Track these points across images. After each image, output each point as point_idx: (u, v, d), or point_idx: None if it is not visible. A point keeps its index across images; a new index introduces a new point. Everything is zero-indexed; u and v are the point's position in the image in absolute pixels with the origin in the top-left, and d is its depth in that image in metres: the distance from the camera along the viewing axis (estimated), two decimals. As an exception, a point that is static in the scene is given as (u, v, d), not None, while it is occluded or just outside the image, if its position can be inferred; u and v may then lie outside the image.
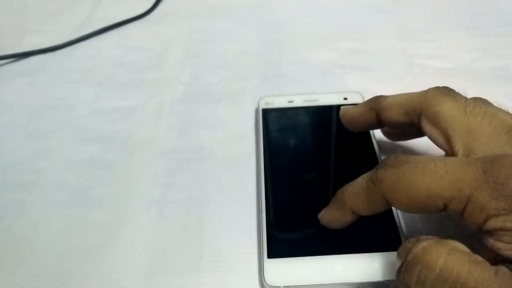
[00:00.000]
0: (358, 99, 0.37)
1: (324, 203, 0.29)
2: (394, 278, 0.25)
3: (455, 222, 0.21)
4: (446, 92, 0.25)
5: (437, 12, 0.49)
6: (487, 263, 0.19)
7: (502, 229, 0.19)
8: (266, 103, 0.37)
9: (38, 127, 0.39)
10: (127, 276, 0.28)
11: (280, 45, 0.46)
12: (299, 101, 0.37)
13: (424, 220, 0.29)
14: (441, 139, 0.25)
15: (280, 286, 0.25)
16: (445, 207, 0.21)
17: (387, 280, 0.25)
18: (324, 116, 0.36)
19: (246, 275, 0.27)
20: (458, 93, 0.26)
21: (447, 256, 0.19)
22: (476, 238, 0.21)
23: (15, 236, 0.30)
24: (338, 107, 0.36)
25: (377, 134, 0.34)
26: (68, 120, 0.39)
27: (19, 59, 0.46)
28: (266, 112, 0.36)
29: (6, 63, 0.46)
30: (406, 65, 0.42)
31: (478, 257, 0.19)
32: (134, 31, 0.50)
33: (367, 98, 0.36)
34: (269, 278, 0.26)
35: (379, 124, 0.29)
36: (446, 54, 0.43)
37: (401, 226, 0.28)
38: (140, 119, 0.39)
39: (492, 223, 0.19)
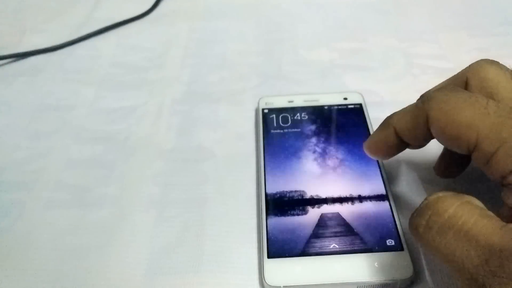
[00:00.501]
0: (358, 99, 0.37)
1: (323, 203, 0.30)
2: (394, 278, 0.25)
3: (478, 166, 0.21)
4: (491, 60, 0.26)
5: (437, 12, 0.49)
6: (497, 218, 0.19)
7: None
8: (266, 103, 0.37)
9: (38, 127, 0.39)
10: (127, 276, 0.28)
11: (280, 45, 0.46)
12: (299, 101, 0.37)
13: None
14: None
15: (280, 286, 0.25)
16: (475, 145, 0.20)
17: (387, 280, 0.25)
18: (324, 116, 0.36)
19: (246, 275, 0.27)
20: (500, 63, 0.26)
21: (458, 206, 0.20)
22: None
23: (15, 236, 0.30)
24: (338, 107, 0.36)
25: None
26: (68, 120, 0.39)
27: (19, 59, 0.46)
28: (266, 112, 0.36)
29: (6, 63, 0.46)
30: (406, 65, 0.42)
31: (490, 213, 0.19)
32: (134, 31, 0.50)
33: (367, 98, 0.37)
34: (269, 278, 0.26)
35: (402, 142, 0.26)
36: (446, 54, 0.43)
37: (401, 226, 0.28)
38: (140, 119, 0.39)
39: None
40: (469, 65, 0.26)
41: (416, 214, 0.21)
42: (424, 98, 0.23)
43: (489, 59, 0.26)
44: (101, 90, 0.42)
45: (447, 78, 0.27)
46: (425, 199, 0.21)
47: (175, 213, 0.31)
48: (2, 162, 0.36)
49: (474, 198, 0.21)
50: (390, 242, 0.27)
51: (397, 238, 0.27)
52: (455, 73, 0.29)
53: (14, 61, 0.46)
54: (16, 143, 0.37)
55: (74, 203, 0.32)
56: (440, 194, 0.21)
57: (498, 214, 0.20)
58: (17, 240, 0.30)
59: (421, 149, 0.33)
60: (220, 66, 0.44)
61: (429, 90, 0.24)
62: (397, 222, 0.28)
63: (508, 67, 0.26)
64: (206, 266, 0.28)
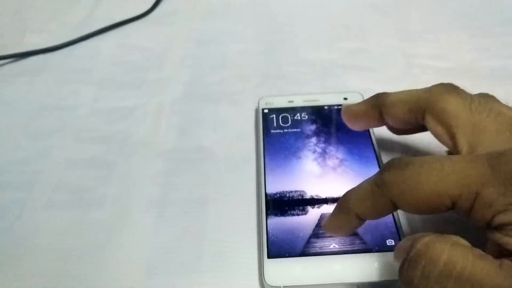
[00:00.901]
0: (358, 99, 0.36)
1: (324, 203, 0.30)
2: (394, 278, 0.25)
3: (462, 219, 0.21)
4: (451, 89, 0.25)
5: (437, 12, 0.49)
6: (490, 257, 0.19)
7: (510, 223, 0.19)
8: (266, 103, 0.37)
9: (38, 127, 0.39)
10: (127, 276, 0.28)
11: (280, 45, 0.46)
12: (299, 101, 0.37)
13: (424, 220, 0.29)
14: (445, 136, 0.25)
15: (280, 286, 0.25)
16: (453, 206, 0.21)
17: (387, 280, 0.25)
18: (324, 116, 0.36)
19: (246, 275, 0.27)
20: (463, 90, 0.26)
21: (450, 250, 0.19)
22: (477, 235, 0.21)
23: (15, 236, 0.30)
24: (338, 107, 0.36)
25: (377, 133, 0.34)
26: (68, 120, 0.39)
27: (19, 59, 0.46)
28: (266, 112, 0.36)
29: (6, 63, 0.46)
30: (406, 65, 0.42)
31: (480, 251, 0.19)
32: (134, 31, 0.50)
33: (367, 98, 0.37)
34: (269, 278, 0.26)
35: (381, 121, 0.29)
36: (446, 54, 0.43)
37: (401, 226, 0.28)
38: (140, 119, 0.39)
39: (500, 218, 0.19)
40: (428, 90, 0.26)
41: (408, 265, 0.20)
42: (379, 183, 0.22)
43: (450, 85, 0.26)
44: (101, 90, 0.42)
45: (439, 82, 0.27)
46: (411, 246, 0.20)
47: (175, 213, 0.31)
48: (2, 162, 0.36)
49: (459, 237, 0.20)
50: (390, 242, 0.27)
51: (397, 238, 0.27)
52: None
53: (14, 61, 0.46)
54: (16, 143, 0.37)
55: (74, 203, 0.32)
56: (426, 239, 0.20)
57: (486, 251, 0.20)
58: (16, 240, 0.30)
59: (422, 145, 0.34)
60: (220, 66, 0.44)
61: (380, 172, 0.23)
62: (397, 222, 0.28)
63: (470, 92, 0.25)
64: (206, 266, 0.28)
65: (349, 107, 0.31)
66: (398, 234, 0.27)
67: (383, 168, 0.23)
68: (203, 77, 0.43)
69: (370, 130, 0.34)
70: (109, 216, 0.31)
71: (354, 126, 0.31)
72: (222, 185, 0.33)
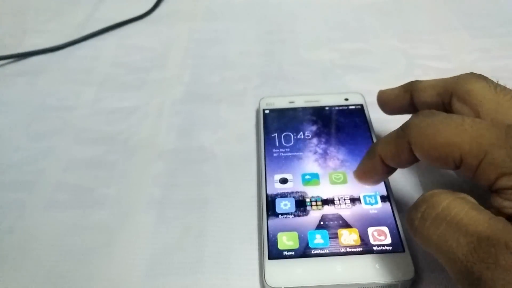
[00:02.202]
0: (359, 100, 0.37)
1: (324, 203, 0.30)
2: (395, 279, 0.25)
3: (467, 180, 0.22)
4: (478, 75, 0.26)
5: (438, 12, 0.49)
6: (487, 211, 0.20)
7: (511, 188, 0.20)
8: (267, 104, 0.37)
9: (39, 128, 0.39)
10: (128, 277, 0.28)
11: (281, 45, 0.46)
12: (300, 102, 0.37)
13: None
14: (471, 116, 0.25)
15: (280, 287, 0.25)
16: (461, 161, 0.21)
17: (387, 282, 0.25)
18: (325, 117, 0.36)
19: (247, 276, 0.27)
20: (489, 78, 0.26)
21: (452, 200, 0.21)
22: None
23: (16, 237, 0.30)
24: (339, 107, 0.36)
25: (378, 134, 0.34)
26: (68, 120, 0.39)
27: (20, 59, 0.46)
28: (267, 113, 0.36)
29: (7, 63, 0.46)
30: (407, 65, 0.42)
31: (481, 207, 0.20)
32: (135, 32, 0.50)
33: (368, 98, 0.37)
34: (270, 279, 0.26)
35: (412, 107, 0.29)
36: (447, 54, 0.43)
37: (402, 227, 0.28)
38: (141, 120, 0.39)
39: (503, 182, 0.20)
40: (456, 77, 0.27)
41: (412, 207, 0.22)
42: (404, 126, 0.24)
43: (476, 74, 0.26)
44: (102, 90, 0.42)
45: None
46: (421, 195, 0.22)
47: (175, 214, 0.31)
48: (3, 162, 0.36)
49: (468, 195, 0.21)
50: (390, 243, 0.27)
51: (398, 239, 0.27)
52: (456, 73, 0.29)
53: (15, 61, 0.46)
54: (16, 143, 0.37)
55: (75, 203, 0.32)
56: (436, 190, 0.22)
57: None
58: (17, 240, 0.30)
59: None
60: (221, 66, 0.44)
61: (410, 118, 0.25)
62: (398, 224, 0.28)
63: (496, 80, 0.26)
64: (207, 268, 0.28)
65: (384, 91, 0.32)
66: (399, 235, 0.27)
67: (412, 116, 0.25)
68: (203, 78, 0.43)
69: (371, 131, 0.34)
70: (110, 216, 0.31)
71: (387, 110, 0.32)
72: (222, 186, 0.33)
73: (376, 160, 0.26)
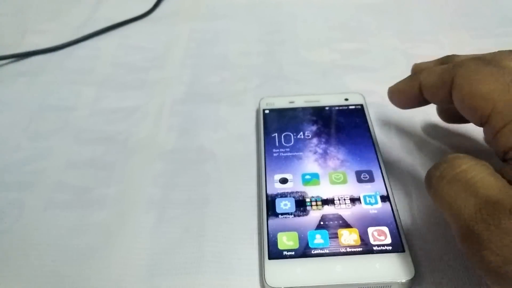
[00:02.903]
0: (359, 100, 0.37)
1: (324, 203, 0.30)
2: (395, 279, 0.25)
3: (485, 140, 0.23)
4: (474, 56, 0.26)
5: (438, 12, 0.49)
6: (504, 180, 0.21)
7: None
8: (267, 104, 0.37)
9: (39, 128, 0.38)
10: (128, 277, 0.28)
11: (281, 45, 0.46)
12: (300, 102, 0.37)
13: (425, 221, 0.29)
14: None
15: (280, 287, 0.25)
16: (488, 118, 0.22)
17: (387, 282, 0.25)
18: (325, 117, 0.36)
19: (247, 276, 0.27)
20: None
21: (472, 165, 0.21)
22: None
23: (15, 237, 0.30)
24: (339, 107, 0.36)
25: (378, 134, 0.34)
26: (68, 120, 0.39)
27: (19, 59, 0.46)
28: (267, 113, 0.36)
29: (7, 63, 0.46)
30: (407, 65, 0.42)
31: (499, 175, 0.21)
32: (135, 31, 0.50)
33: (368, 98, 0.37)
34: (270, 279, 0.26)
35: (422, 99, 0.28)
36: (447, 54, 0.43)
37: (402, 227, 0.28)
38: (141, 120, 0.39)
39: None
40: (492, 53, 0.26)
41: (433, 166, 0.23)
42: (455, 63, 0.24)
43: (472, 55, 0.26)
44: (102, 90, 0.42)
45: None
46: (444, 155, 0.23)
47: (175, 214, 0.31)
48: (2, 162, 0.36)
49: (488, 163, 0.22)
50: (390, 243, 0.27)
51: (398, 239, 0.27)
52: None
53: (15, 61, 0.46)
54: (16, 143, 0.37)
55: (75, 203, 0.32)
56: (459, 154, 0.22)
57: None
58: (16, 241, 0.30)
59: (424, 150, 0.33)
60: (221, 66, 0.44)
61: (462, 56, 0.25)
62: (398, 224, 0.28)
63: None
64: (207, 267, 0.28)
65: (393, 86, 0.31)
66: (399, 235, 0.27)
67: (466, 59, 0.25)
68: (203, 78, 0.43)
69: (372, 131, 0.34)
70: (110, 216, 0.31)
71: (397, 103, 0.31)
72: (222, 186, 0.33)
73: (415, 84, 0.27)
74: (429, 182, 0.23)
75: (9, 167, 0.35)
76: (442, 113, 0.33)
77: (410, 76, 0.28)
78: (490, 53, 0.25)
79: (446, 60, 0.29)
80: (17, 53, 0.46)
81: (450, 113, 0.32)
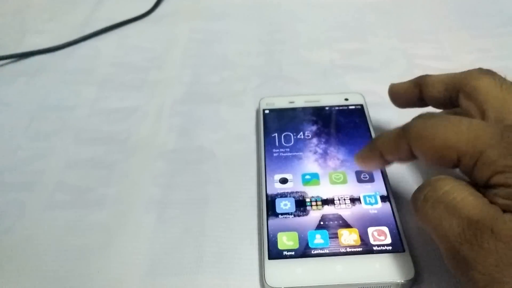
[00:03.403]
0: (359, 100, 0.37)
1: (324, 203, 0.30)
2: (395, 279, 0.25)
3: (465, 176, 0.23)
4: (486, 71, 0.27)
5: (438, 12, 0.49)
6: (485, 199, 0.21)
7: (503, 185, 0.20)
8: (267, 104, 0.37)
9: (39, 128, 0.39)
10: (128, 277, 0.28)
11: (281, 45, 0.46)
12: (300, 102, 0.37)
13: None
14: (476, 113, 0.26)
15: (280, 287, 0.25)
16: (458, 161, 0.22)
17: (387, 282, 0.25)
18: (325, 117, 0.36)
19: (247, 276, 0.27)
20: (497, 73, 0.27)
21: (454, 186, 0.22)
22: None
23: (16, 237, 0.30)
24: (339, 107, 0.36)
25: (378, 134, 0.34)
26: (68, 120, 0.39)
27: (19, 59, 0.46)
28: (267, 113, 0.36)
29: (7, 63, 0.46)
30: (407, 65, 0.42)
31: (480, 195, 0.21)
32: (135, 32, 0.50)
33: (368, 98, 0.37)
34: (270, 279, 0.26)
35: (422, 101, 0.30)
36: (447, 54, 0.43)
37: (402, 227, 0.28)
38: (141, 120, 0.39)
39: (497, 179, 0.21)
40: (464, 72, 0.27)
41: (418, 189, 0.23)
42: (404, 127, 0.25)
43: (484, 69, 0.27)
44: (102, 90, 0.42)
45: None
46: (428, 179, 0.23)
47: (175, 214, 0.31)
48: (3, 162, 0.36)
49: (469, 184, 0.22)
50: (390, 243, 0.27)
51: (398, 239, 0.27)
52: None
53: (15, 61, 0.46)
54: (16, 144, 0.37)
55: (75, 203, 0.32)
56: (441, 176, 0.23)
57: None
58: (17, 240, 0.30)
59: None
60: (221, 66, 0.44)
61: (411, 120, 0.26)
62: (398, 223, 0.28)
63: (504, 76, 0.26)
64: (207, 267, 0.28)
65: (395, 84, 0.32)
66: (399, 235, 0.27)
67: (414, 118, 0.26)
68: (203, 78, 0.43)
69: (371, 130, 0.34)
70: (110, 216, 0.31)
71: (397, 103, 0.32)
72: (222, 186, 0.33)
73: (376, 153, 0.27)
74: (415, 205, 0.23)
75: (9, 167, 0.35)
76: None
77: (369, 145, 0.28)
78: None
79: (418, 80, 0.30)
80: (17, 53, 0.46)
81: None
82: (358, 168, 0.31)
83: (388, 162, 0.27)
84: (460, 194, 0.21)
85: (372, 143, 0.28)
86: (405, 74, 0.41)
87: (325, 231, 0.28)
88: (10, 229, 0.31)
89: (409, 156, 0.25)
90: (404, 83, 0.31)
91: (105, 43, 0.48)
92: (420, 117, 0.26)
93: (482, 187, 0.22)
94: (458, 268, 0.21)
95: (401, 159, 0.26)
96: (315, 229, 0.28)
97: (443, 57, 0.43)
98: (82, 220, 0.31)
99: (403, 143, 0.25)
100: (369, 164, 0.29)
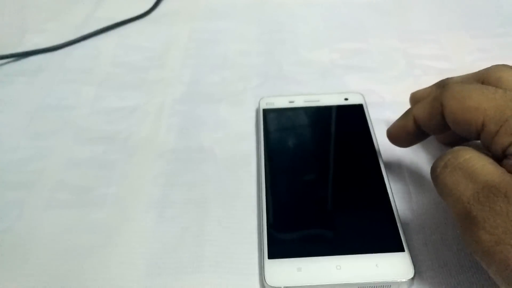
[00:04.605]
0: (359, 100, 0.37)
1: (324, 203, 0.30)
2: (395, 279, 0.25)
3: (485, 147, 0.24)
4: (508, 65, 0.28)
5: (438, 12, 0.49)
6: (503, 168, 0.22)
7: None
8: (266, 104, 0.37)
9: (39, 127, 0.38)
10: (128, 276, 0.28)
11: (281, 45, 0.46)
12: (299, 102, 0.37)
13: (425, 220, 0.29)
14: None
15: (280, 287, 0.25)
16: (482, 127, 0.23)
17: (387, 281, 0.25)
18: (325, 117, 0.36)
19: (247, 276, 0.27)
20: None
21: (474, 155, 0.23)
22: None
23: (15, 236, 0.30)
24: (338, 107, 0.36)
25: (378, 134, 0.34)
26: (68, 120, 0.39)
27: (19, 59, 0.46)
28: (267, 113, 0.36)
29: (6, 63, 0.46)
30: (407, 65, 0.42)
31: (498, 165, 0.22)
32: (135, 31, 0.50)
33: (368, 98, 0.37)
34: (270, 279, 0.26)
35: (419, 130, 0.28)
36: (447, 54, 0.43)
37: (401, 227, 0.28)
38: (141, 119, 0.39)
39: None
40: (487, 68, 0.28)
41: (439, 157, 0.24)
42: (442, 85, 0.26)
43: (507, 64, 0.28)
44: (102, 90, 0.42)
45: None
46: (450, 149, 0.24)
47: (175, 213, 0.31)
48: (2, 161, 0.36)
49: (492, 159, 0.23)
50: (390, 243, 0.27)
51: (398, 239, 0.27)
52: (456, 73, 0.30)
53: (15, 60, 0.46)
54: (16, 143, 0.37)
55: (75, 203, 0.32)
56: (463, 146, 0.24)
57: None
58: (17, 240, 0.30)
59: (424, 150, 0.34)
60: (221, 66, 0.44)
61: (447, 80, 0.27)
62: (398, 223, 0.28)
63: None
64: (206, 267, 0.28)
65: (390, 126, 0.31)
66: (399, 235, 0.27)
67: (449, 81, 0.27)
68: (203, 77, 0.43)
69: (371, 130, 0.34)
70: (110, 216, 0.31)
71: (397, 141, 0.31)
72: (222, 186, 0.33)
73: (409, 119, 0.28)
74: (434, 172, 0.24)
75: (9, 166, 0.35)
76: (442, 140, 0.34)
77: (404, 113, 0.29)
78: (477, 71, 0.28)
79: (442, 84, 0.30)
80: (17, 52, 0.46)
81: (449, 139, 0.33)
82: (358, 168, 0.31)
83: (421, 134, 0.28)
84: (479, 161, 0.22)
85: (407, 111, 0.29)
86: (405, 74, 0.41)
87: (325, 231, 0.28)
88: (9, 229, 0.31)
89: (441, 123, 0.26)
90: (426, 88, 0.32)
91: (105, 43, 0.48)
92: (456, 80, 0.27)
93: (499, 159, 0.23)
94: (467, 229, 0.21)
95: (433, 126, 0.27)
96: (315, 229, 0.28)
97: (443, 57, 0.43)
98: (82, 220, 0.31)
99: (437, 104, 0.25)
100: (402, 135, 0.29)
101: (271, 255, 0.27)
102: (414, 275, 0.25)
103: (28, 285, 0.28)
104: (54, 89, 0.42)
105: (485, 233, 0.20)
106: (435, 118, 0.26)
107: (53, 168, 0.35)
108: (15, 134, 0.38)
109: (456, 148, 0.24)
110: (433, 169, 0.24)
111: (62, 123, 0.39)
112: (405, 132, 0.29)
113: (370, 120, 0.35)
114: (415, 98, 0.33)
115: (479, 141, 0.25)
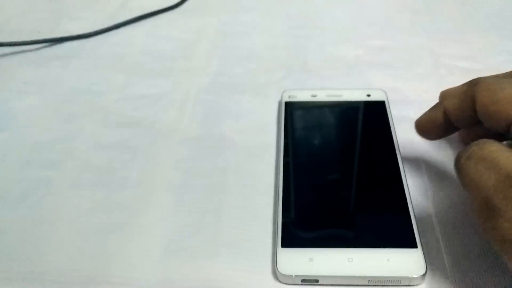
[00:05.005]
0: (381, 97, 0.37)
1: (340, 196, 0.30)
2: (406, 275, 0.25)
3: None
4: None
5: (467, 12, 0.48)
6: None
7: None
8: (289, 96, 0.37)
9: (69, 110, 0.40)
10: (146, 256, 0.28)
11: (307, 39, 0.46)
12: (322, 96, 0.37)
13: (441, 218, 0.29)
14: None
15: (292, 275, 0.26)
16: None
17: (398, 276, 0.25)
18: (346, 112, 0.36)
19: (260, 263, 0.28)
20: None
21: (500, 147, 0.23)
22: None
23: (42, 212, 0.31)
24: (360, 103, 0.36)
25: (398, 132, 0.34)
26: (98, 104, 0.40)
27: (55, 44, 0.48)
28: (289, 105, 0.37)
29: (42, 47, 0.48)
30: (433, 64, 0.42)
31: None
32: (165, 22, 0.51)
33: (391, 96, 0.37)
34: (282, 267, 0.26)
35: (448, 123, 0.29)
36: (475, 55, 0.43)
37: (415, 223, 0.28)
38: (166, 107, 0.40)
39: None
40: None
41: (464, 149, 0.24)
42: (473, 81, 0.26)
43: None
44: (131, 77, 0.43)
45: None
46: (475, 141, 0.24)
47: (194, 199, 0.32)
48: (33, 141, 0.37)
49: None
50: (403, 239, 0.27)
51: (412, 235, 0.27)
52: (483, 74, 0.29)
53: (50, 45, 0.48)
54: (47, 124, 0.39)
55: (99, 183, 0.33)
56: (490, 139, 0.24)
57: None
58: (42, 215, 0.31)
59: (444, 149, 0.33)
60: (246, 58, 0.45)
61: (479, 78, 0.27)
62: (413, 219, 0.28)
63: None
64: (221, 252, 0.28)
65: (418, 117, 0.31)
66: (412, 231, 0.27)
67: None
68: (229, 69, 0.43)
69: (392, 127, 0.34)
70: (132, 197, 0.32)
71: (425, 134, 0.31)
72: (241, 174, 0.33)
73: (439, 111, 0.28)
74: (458, 162, 0.24)
75: (40, 146, 0.37)
76: (465, 138, 0.33)
77: (434, 105, 0.29)
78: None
79: (474, 82, 0.29)
80: (53, 37, 0.48)
81: (472, 137, 0.32)
82: (377, 162, 0.31)
83: (450, 127, 0.28)
84: (504, 153, 0.22)
85: (437, 102, 0.29)
86: (430, 73, 0.41)
87: (338, 223, 0.28)
88: (37, 204, 0.32)
89: (471, 117, 0.26)
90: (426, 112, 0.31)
91: (136, 32, 0.49)
92: (490, 76, 0.27)
93: None
94: (487, 217, 0.22)
95: (463, 119, 0.27)
96: (329, 220, 0.28)
97: (470, 57, 0.42)
98: (105, 200, 0.32)
99: (468, 98, 0.26)
100: (430, 127, 0.29)
101: (284, 244, 0.27)
102: (426, 272, 0.25)
103: (51, 259, 0.29)
104: (85, 75, 0.44)
105: (504, 221, 0.21)
106: (466, 111, 0.26)
107: (81, 149, 0.36)
108: (47, 116, 0.39)
109: (481, 140, 0.24)
110: (457, 160, 0.25)
111: (92, 107, 0.40)
112: (433, 124, 0.29)
113: (392, 117, 0.35)
114: (446, 96, 0.32)
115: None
